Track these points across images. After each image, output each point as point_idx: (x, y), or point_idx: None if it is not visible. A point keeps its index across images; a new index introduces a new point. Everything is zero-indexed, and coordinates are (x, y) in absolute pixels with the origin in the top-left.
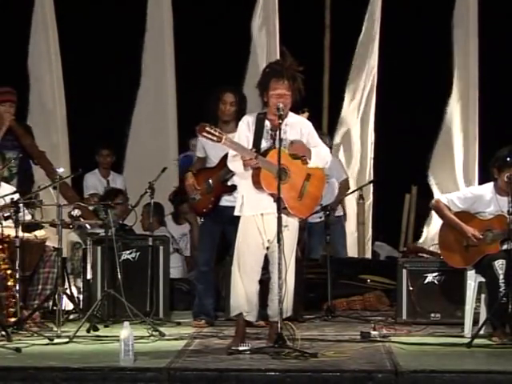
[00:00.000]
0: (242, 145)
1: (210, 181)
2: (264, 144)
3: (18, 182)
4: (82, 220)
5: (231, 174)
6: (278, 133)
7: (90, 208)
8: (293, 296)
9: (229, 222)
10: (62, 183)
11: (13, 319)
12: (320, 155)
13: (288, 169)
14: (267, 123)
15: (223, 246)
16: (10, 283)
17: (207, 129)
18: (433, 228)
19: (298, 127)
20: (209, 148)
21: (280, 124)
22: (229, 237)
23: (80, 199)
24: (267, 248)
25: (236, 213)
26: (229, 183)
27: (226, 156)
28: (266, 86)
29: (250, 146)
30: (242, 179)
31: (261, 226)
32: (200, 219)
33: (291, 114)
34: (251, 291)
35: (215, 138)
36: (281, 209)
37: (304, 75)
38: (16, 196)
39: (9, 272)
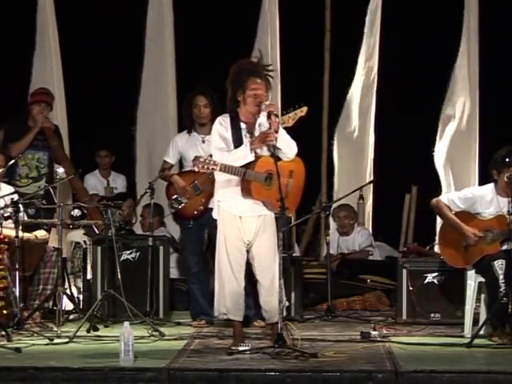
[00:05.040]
0: (231, 164)
1: (197, 182)
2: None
3: (45, 182)
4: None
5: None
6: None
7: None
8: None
9: (215, 224)
10: (75, 179)
11: None
12: (289, 139)
13: (273, 173)
14: (242, 125)
15: (210, 248)
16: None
17: (201, 160)
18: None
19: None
20: (187, 151)
21: (271, 123)
22: (214, 239)
23: (90, 197)
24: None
25: (214, 216)
26: None
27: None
28: (241, 85)
29: (232, 148)
30: (220, 188)
31: (241, 227)
32: (189, 224)
33: (263, 114)
34: (236, 291)
35: (211, 167)
36: (285, 208)
37: (304, 75)
38: (16, 196)
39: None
